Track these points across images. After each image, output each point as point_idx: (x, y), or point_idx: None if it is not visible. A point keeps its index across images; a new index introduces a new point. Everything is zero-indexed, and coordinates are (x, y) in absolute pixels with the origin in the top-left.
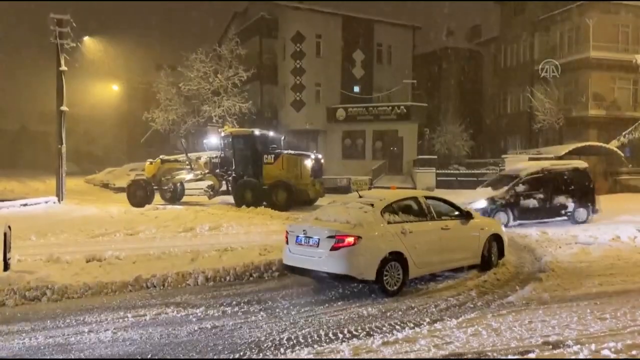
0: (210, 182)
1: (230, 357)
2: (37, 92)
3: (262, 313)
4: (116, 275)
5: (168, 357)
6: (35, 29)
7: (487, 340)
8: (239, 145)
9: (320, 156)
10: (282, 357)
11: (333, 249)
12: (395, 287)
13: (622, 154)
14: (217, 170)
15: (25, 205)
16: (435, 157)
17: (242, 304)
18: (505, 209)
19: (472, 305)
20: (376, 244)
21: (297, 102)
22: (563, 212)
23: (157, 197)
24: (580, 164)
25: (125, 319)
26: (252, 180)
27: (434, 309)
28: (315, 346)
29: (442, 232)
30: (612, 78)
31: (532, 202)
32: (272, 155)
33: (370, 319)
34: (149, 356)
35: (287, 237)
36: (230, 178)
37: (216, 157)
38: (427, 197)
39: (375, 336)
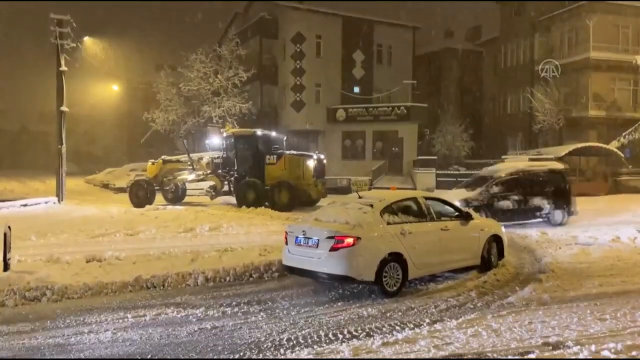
0: (212, 183)
1: (230, 358)
2: (37, 93)
3: (262, 313)
4: (116, 275)
5: (168, 358)
6: (35, 29)
7: (487, 341)
8: (241, 145)
9: (322, 157)
10: (282, 357)
11: (332, 249)
12: (395, 288)
13: (622, 155)
14: (219, 171)
15: (25, 205)
16: (435, 157)
17: (242, 305)
18: (479, 210)
19: (472, 306)
20: (375, 245)
21: (297, 103)
22: (539, 213)
23: (159, 197)
24: (557, 165)
25: (125, 320)
26: (254, 180)
27: (433, 310)
28: (315, 347)
29: (441, 232)
30: (612, 79)
31: (506, 204)
32: (275, 156)
33: (370, 319)
34: (148, 356)
35: (286, 238)
36: (232, 178)
37: (218, 157)
38: (426, 198)
39: (375, 337)
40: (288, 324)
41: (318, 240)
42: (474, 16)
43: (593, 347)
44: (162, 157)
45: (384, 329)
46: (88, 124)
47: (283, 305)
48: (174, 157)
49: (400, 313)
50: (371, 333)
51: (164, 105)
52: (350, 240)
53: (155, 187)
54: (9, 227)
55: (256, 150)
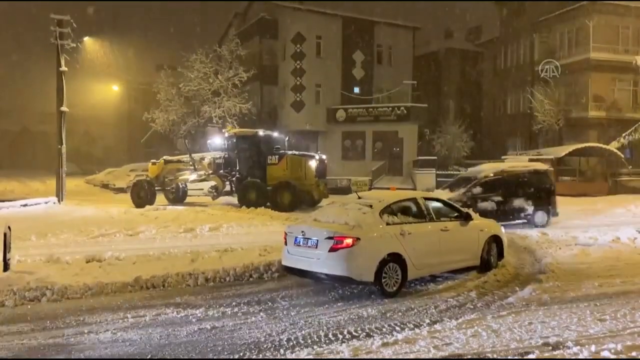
0: (213, 183)
1: (230, 358)
2: (37, 93)
3: (261, 314)
4: (116, 275)
5: (168, 358)
6: (35, 29)
7: (486, 341)
8: (243, 145)
9: (324, 157)
10: (282, 357)
11: (331, 250)
12: (394, 289)
13: (622, 155)
14: (221, 171)
15: (25, 205)
16: (435, 158)
17: (241, 305)
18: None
19: (471, 307)
20: (375, 246)
21: (297, 103)
22: (522, 215)
23: (161, 197)
24: (541, 166)
25: (125, 320)
26: (256, 181)
27: (433, 310)
28: (315, 347)
29: (441, 233)
30: (612, 79)
31: (489, 205)
32: (276, 156)
33: (370, 320)
34: (148, 357)
35: (285, 238)
36: (234, 179)
37: (220, 157)
38: (426, 199)
39: (374, 337)
40: (288, 324)
41: (317, 240)
42: (474, 16)
43: (593, 348)
44: (164, 157)
45: (384, 330)
46: (88, 124)
47: (283, 305)
48: (175, 157)
49: (400, 313)
50: (371, 333)
51: (164, 106)
52: (349, 241)
53: (157, 188)
54: (9, 227)
55: (258, 150)
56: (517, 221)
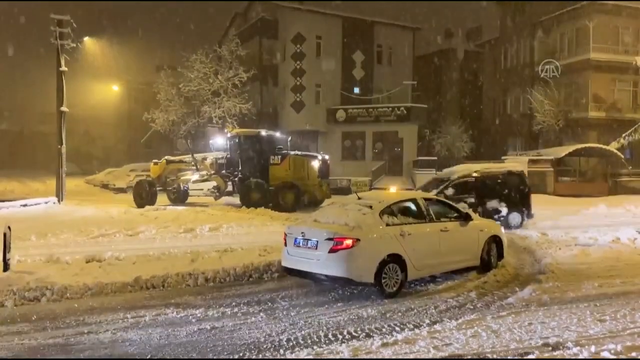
0: (215, 183)
1: (230, 358)
2: (37, 93)
3: (261, 314)
4: (116, 276)
5: (168, 358)
6: (35, 29)
7: (486, 341)
8: (245, 146)
9: (327, 157)
10: (282, 358)
11: (331, 251)
12: (394, 289)
13: (622, 156)
14: (223, 171)
15: (25, 205)
16: (435, 158)
17: (241, 305)
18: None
19: (471, 307)
20: (375, 246)
21: (297, 103)
22: (496, 216)
23: (164, 197)
24: (515, 167)
25: (125, 320)
26: (258, 181)
27: (433, 311)
28: (315, 347)
29: (441, 234)
30: (612, 80)
31: (461, 207)
32: (279, 156)
33: (370, 320)
34: (148, 357)
35: (285, 239)
36: (236, 179)
37: (222, 157)
38: (426, 199)
39: (374, 337)
40: (287, 324)
41: (317, 241)
42: (474, 17)
43: (593, 348)
44: (166, 157)
45: (384, 330)
46: (88, 124)
47: (282, 305)
48: (177, 158)
49: (399, 314)
50: (371, 334)
51: (164, 106)
52: (349, 242)
53: (158, 188)
54: (9, 227)
55: (260, 150)
56: None
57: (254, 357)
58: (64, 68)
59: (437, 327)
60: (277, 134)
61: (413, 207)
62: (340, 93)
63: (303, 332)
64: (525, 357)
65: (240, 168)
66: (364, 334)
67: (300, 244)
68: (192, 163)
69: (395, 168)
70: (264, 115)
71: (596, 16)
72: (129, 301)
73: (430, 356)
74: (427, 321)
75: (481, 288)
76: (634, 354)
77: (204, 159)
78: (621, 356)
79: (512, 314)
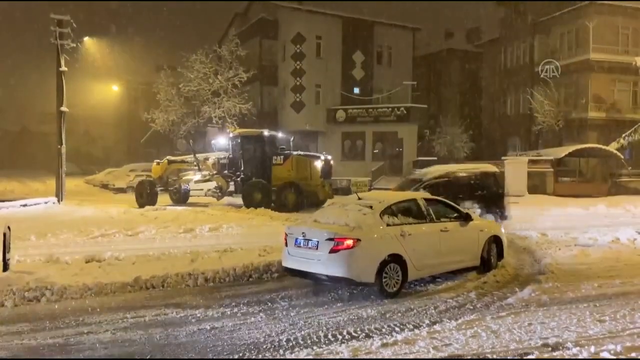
0: (218, 183)
1: (229, 358)
2: (37, 93)
3: (261, 314)
4: (116, 276)
5: (167, 358)
6: (35, 29)
7: (486, 342)
8: (247, 146)
9: (329, 157)
10: (281, 358)
11: (332, 251)
12: (395, 289)
13: (622, 156)
14: (225, 171)
15: (24, 205)
16: (435, 158)
17: (241, 305)
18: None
19: (471, 307)
20: (375, 247)
21: (297, 103)
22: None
23: (166, 197)
24: (490, 168)
25: (125, 320)
26: (261, 181)
27: (433, 311)
28: (315, 347)
29: (441, 234)
30: (612, 80)
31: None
32: (282, 157)
33: (370, 320)
34: (148, 357)
35: (286, 239)
36: (238, 179)
37: (224, 157)
38: (426, 199)
39: (374, 338)
40: (287, 324)
41: (318, 241)
42: (474, 17)
43: (592, 349)
44: (167, 157)
45: (383, 330)
46: (88, 124)
47: (282, 306)
48: (179, 158)
49: (399, 314)
50: (370, 334)
51: (164, 106)
52: (350, 242)
53: (160, 188)
54: (9, 227)
55: (263, 150)
56: None
57: (253, 357)
58: (63, 68)
59: (437, 327)
60: (280, 134)
61: (413, 207)
62: (340, 93)
63: (303, 333)
64: (524, 358)
65: (242, 168)
66: (363, 334)
67: (301, 244)
68: (194, 163)
69: (395, 168)
70: (263, 116)
71: (596, 16)
72: (129, 301)
73: (430, 356)
74: (427, 321)
75: (481, 288)
76: (633, 355)
77: (206, 159)
78: (621, 356)
79: (511, 315)
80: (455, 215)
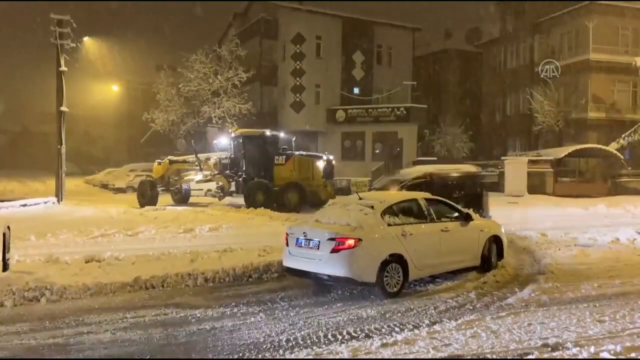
0: (219, 183)
1: (229, 358)
2: (37, 93)
3: (261, 314)
4: (115, 276)
5: (167, 358)
6: (35, 29)
7: (486, 342)
8: (249, 146)
9: (331, 157)
10: (281, 358)
11: (333, 251)
12: (395, 289)
13: (622, 157)
14: (227, 171)
15: (24, 205)
16: (435, 158)
17: (241, 305)
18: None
19: (471, 307)
20: (376, 246)
21: (297, 103)
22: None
23: (168, 197)
24: (470, 168)
25: (125, 320)
26: (263, 181)
27: (433, 311)
28: (314, 347)
29: (442, 234)
30: (611, 80)
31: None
32: (284, 157)
33: (369, 320)
34: (148, 357)
35: (287, 239)
36: (240, 179)
37: (226, 157)
38: (426, 199)
39: (374, 338)
40: (287, 324)
41: (319, 241)
42: (473, 17)
43: (592, 349)
44: (169, 157)
45: (383, 330)
46: (88, 124)
47: (282, 306)
48: (180, 158)
49: (399, 314)
50: (370, 334)
51: (164, 106)
52: (351, 242)
53: (161, 188)
54: (8, 227)
55: (265, 150)
56: None
57: (253, 357)
58: (63, 68)
59: (437, 327)
60: (282, 134)
61: (414, 207)
62: (340, 93)
63: (302, 333)
64: (524, 358)
65: (244, 168)
66: (363, 334)
67: (302, 244)
68: (196, 163)
69: (395, 168)
70: (263, 116)
71: (596, 16)
72: (129, 301)
73: (430, 356)
74: (427, 322)
75: (480, 288)
76: (633, 355)
77: (208, 159)
78: (620, 357)
79: (511, 315)
80: (455, 215)
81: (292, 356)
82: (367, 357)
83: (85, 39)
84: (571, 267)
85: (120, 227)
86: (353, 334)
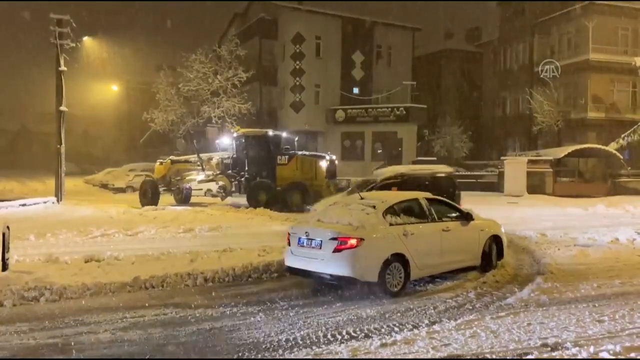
0: (221, 183)
1: (229, 358)
2: (37, 92)
3: (260, 314)
4: (115, 275)
5: (167, 358)
6: (35, 29)
7: (485, 342)
8: (252, 145)
9: (334, 157)
10: (280, 358)
11: (336, 250)
12: (397, 289)
13: (621, 157)
14: (229, 171)
15: (24, 205)
16: (435, 158)
17: (240, 305)
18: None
19: (470, 307)
20: (378, 246)
21: (297, 103)
22: None
23: (170, 198)
24: (443, 168)
25: (124, 320)
26: (266, 181)
27: (432, 311)
28: (314, 347)
29: (443, 233)
30: (611, 80)
31: None
32: (286, 157)
33: (369, 320)
34: (147, 357)
35: (289, 239)
36: (242, 179)
37: (228, 157)
38: (427, 199)
39: (373, 338)
40: (286, 324)
41: (321, 241)
42: (473, 17)
43: (591, 349)
44: (171, 157)
45: (383, 330)
46: (87, 124)
47: (282, 305)
48: (182, 158)
49: (399, 314)
50: (370, 334)
51: (163, 106)
52: (353, 242)
53: (162, 188)
54: (8, 227)
55: (267, 150)
56: None
57: (252, 357)
58: (63, 68)
59: (436, 327)
60: (284, 134)
61: (415, 206)
62: (339, 93)
63: (302, 333)
64: (524, 358)
65: (247, 168)
66: (362, 334)
67: (304, 244)
68: (198, 163)
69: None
70: (263, 115)
71: (595, 17)
72: (128, 301)
73: (429, 356)
74: (426, 321)
75: (480, 288)
76: (632, 355)
77: (210, 158)
78: (620, 357)
79: (511, 315)
80: (456, 214)
81: (292, 356)
82: (367, 357)
83: (85, 38)
84: (571, 267)
85: (120, 227)
86: (352, 333)
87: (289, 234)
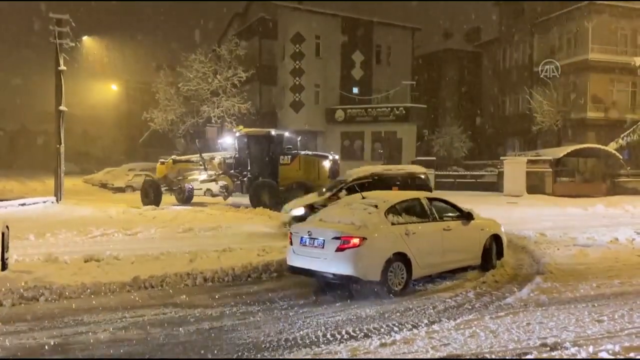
0: (224, 183)
1: (228, 358)
2: (36, 92)
3: (260, 314)
4: (114, 275)
5: (166, 358)
6: (34, 28)
7: (484, 341)
8: (254, 145)
9: (337, 157)
10: (280, 357)
11: (338, 250)
12: (399, 288)
13: (621, 157)
14: (232, 171)
15: (23, 205)
16: (434, 158)
17: (240, 305)
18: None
19: (470, 307)
20: (381, 245)
21: (296, 103)
22: None
23: (172, 197)
24: (417, 169)
25: (124, 320)
26: (268, 181)
27: (432, 311)
28: (313, 347)
29: (444, 233)
30: (610, 80)
31: None
32: (289, 156)
33: (369, 320)
34: (147, 356)
35: (291, 238)
36: (245, 179)
37: (230, 157)
38: (429, 199)
39: (373, 337)
40: (286, 324)
41: (324, 240)
42: (473, 17)
43: (591, 349)
44: (172, 156)
45: (382, 330)
46: (87, 124)
47: (281, 305)
48: (184, 157)
49: (398, 314)
50: (369, 334)
51: (163, 105)
52: (356, 241)
53: (164, 188)
54: (7, 227)
55: (270, 150)
56: None
57: (252, 356)
58: (62, 67)
59: (436, 327)
60: (287, 134)
61: (417, 206)
62: (339, 93)
63: (301, 332)
64: (523, 358)
65: (249, 168)
66: (362, 334)
67: (307, 243)
68: (200, 163)
69: None
70: (262, 115)
71: (595, 16)
72: (128, 301)
73: (429, 356)
74: (426, 321)
75: (479, 288)
76: (632, 355)
77: (212, 158)
78: (619, 356)
79: (510, 314)
80: (457, 214)
81: (291, 356)
82: (366, 356)
83: (85, 38)
84: (570, 267)
85: (119, 227)
86: (352, 333)
87: (291, 233)
